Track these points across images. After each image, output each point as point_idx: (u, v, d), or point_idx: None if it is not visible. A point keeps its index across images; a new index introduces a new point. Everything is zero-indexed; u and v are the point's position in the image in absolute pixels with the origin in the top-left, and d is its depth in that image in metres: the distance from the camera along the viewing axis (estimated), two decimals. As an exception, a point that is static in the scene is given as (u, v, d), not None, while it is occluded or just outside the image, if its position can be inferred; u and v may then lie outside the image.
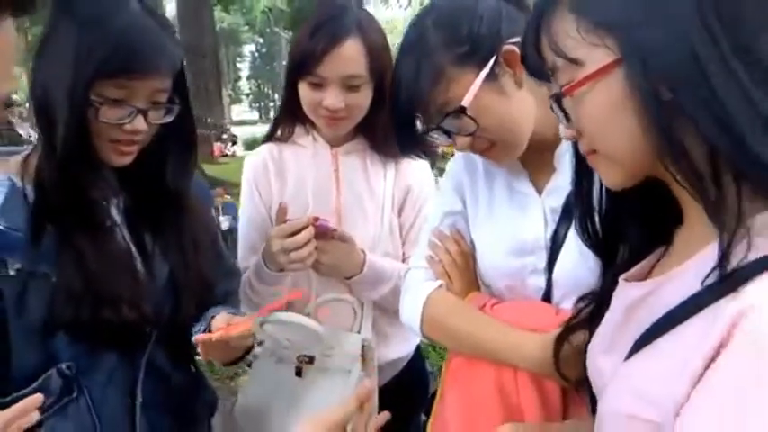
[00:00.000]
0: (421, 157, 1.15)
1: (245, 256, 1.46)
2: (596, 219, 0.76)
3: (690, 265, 0.62)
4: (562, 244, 1.02)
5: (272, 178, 1.45)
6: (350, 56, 1.30)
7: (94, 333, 1.02)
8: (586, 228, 0.77)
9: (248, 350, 1.17)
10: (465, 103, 0.95)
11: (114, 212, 1.12)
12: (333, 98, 1.31)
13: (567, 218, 1.02)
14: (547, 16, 0.66)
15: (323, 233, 1.31)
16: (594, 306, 0.79)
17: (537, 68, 0.70)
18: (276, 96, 67.19)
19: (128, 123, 1.01)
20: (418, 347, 1.59)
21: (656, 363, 0.61)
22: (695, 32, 0.55)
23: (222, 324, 1.07)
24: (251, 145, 25.90)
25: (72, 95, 0.96)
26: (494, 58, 0.96)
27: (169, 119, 1.08)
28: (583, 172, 0.74)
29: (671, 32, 0.56)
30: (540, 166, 1.08)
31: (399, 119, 1.02)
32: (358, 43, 1.30)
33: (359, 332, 1.42)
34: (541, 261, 1.05)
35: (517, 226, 1.07)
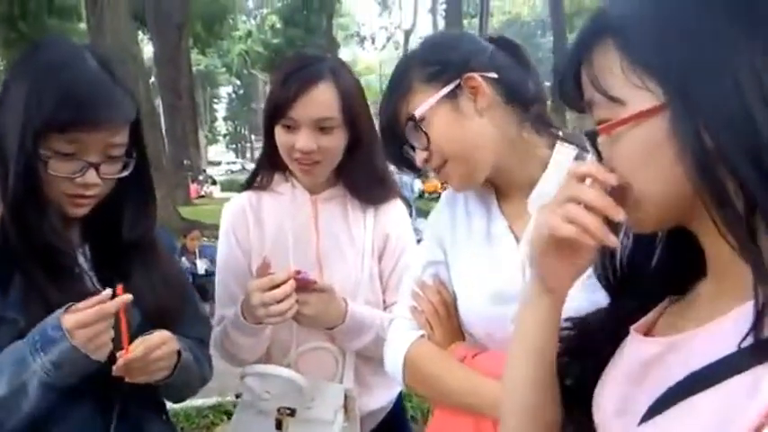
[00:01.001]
0: (404, 171, 1.19)
1: (224, 305, 1.44)
2: (617, 257, 0.74)
3: (721, 324, 0.58)
4: (541, 291, 1.03)
5: (250, 226, 1.45)
6: (322, 99, 1.32)
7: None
8: (605, 265, 0.74)
9: (176, 363, 1.12)
10: (417, 113, 1.04)
11: (82, 260, 1.12)
12: (305, 140, 1.32)
13: (544, 265, 1.03)
14: (590, 48, 0.63)
15: (304, 285, 1.30)
16: (598, 353, 0.74)
17: (573, 100, 0.68)
18: (253, 137, 67.68)
19: (79, 177, 1.02)
20: (400, 395, 1.58)
21: (681, 428, 0.56)
22: (745, 82, 0.54)
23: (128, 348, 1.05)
24: (228, 186, 25.95)
25: (21, 147, 0.97)
26: (457, 81, 1.03)
27: (125, 173, 1.09)
28: None
29: (719, 81, 0.55)
30: (516, 213, 1.10)
31: (381, 131, 1.13)
32: (330, 87, 1.33)
33: (341, 382, 1.41)
34: (522, 309, 1.05)
35: (496, 273, 1.08)
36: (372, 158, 1.42)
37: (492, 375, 1.03)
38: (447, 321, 1.15)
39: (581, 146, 1.09)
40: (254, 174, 1.51)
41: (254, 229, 1.45)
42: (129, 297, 0.99)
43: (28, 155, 0.98)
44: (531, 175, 1.07)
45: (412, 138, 1.07)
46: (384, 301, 1.46)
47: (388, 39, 45.03)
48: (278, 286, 1.26)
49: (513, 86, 1.05)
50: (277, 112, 1.34)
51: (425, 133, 1.04)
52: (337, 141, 1.35)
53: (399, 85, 1.08)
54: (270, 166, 1.47)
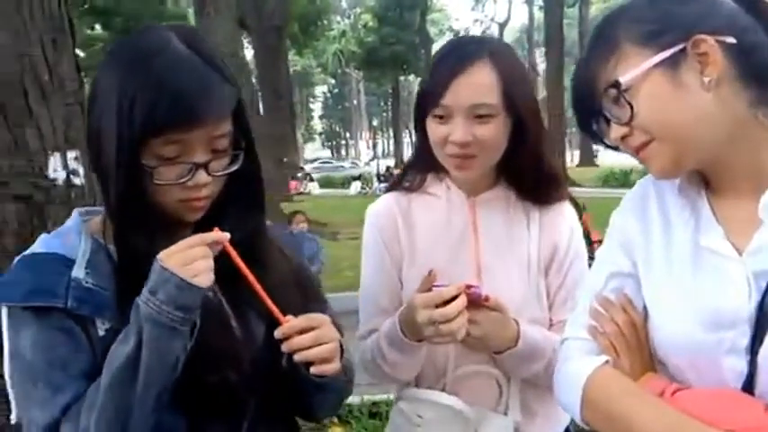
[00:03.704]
0: (606, 145, 0.98)
1: (370, 318, 1.30)
2: None
3: None
4: (773, 316, 0.82)
5: (400, 231, 1.30)
6: (478, 81, 1.15)
7: (196, 399, 0.92)
8: None
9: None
10: (624, 79, 0.85)
11: None
12: (460, 130, 1.16)
13: (778, 283, 0.82)
14: None
15: (473, 302, 1.13)
16: None
17: None
18: (347, 135, 69.14)
19: (189, 181, 0.91)
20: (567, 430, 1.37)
21: None
22: None
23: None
24: (326, 183, 26.52)
25: (119, 161, 0.87)
26: (682, 45, 0.83)
27: (235, 167, 0.97)
28: None
29: None
30: (736, 216, 0.88)
31: (573, 97, 0.95)
32: (488, 68, 1.15)
33: (506, 413, 1.23)
34: (743, 338, 0.84)
35: (709, 292, 0.87)
36: (540, 152, 1.24)
37: (702, 420, 0.82)
38: (636, 346, 0.95)
39: None
40: (404, 173, 1.36)
41: (405, 235, 1.30)
42: (226, 235, 0.90)
43: (130, 168, 0.88)
44: (762, 170, 0.86)
45: (610, 109, 0.88)
46: (550, 320, 1.27)
47: (483, 32, 44.27)
48: (447, 302, 1.09)
49: (755, 56, 0.83)
50: (428, 101, 1.19)
51: (630, 105, 0.85)
52: (495, 132, 1.17)
53: (602, 44, 0.89)
54: (422, 166, 1.31)
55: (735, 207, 0.89)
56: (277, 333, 0.93)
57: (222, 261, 0.94)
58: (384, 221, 1.31)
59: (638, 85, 0.85)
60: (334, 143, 72.13)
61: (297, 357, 0.93)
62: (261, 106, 16.73)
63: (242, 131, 0.97)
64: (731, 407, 0.83)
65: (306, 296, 1.08)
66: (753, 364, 0.83)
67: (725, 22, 0.84)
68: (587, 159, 29.87)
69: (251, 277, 0.92)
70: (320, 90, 67.15)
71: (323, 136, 73.37)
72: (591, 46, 0.92)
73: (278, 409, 1.03)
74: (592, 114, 0.93)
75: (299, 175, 23.49)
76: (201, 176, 0.91)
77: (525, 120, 1.19)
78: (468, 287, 1.11)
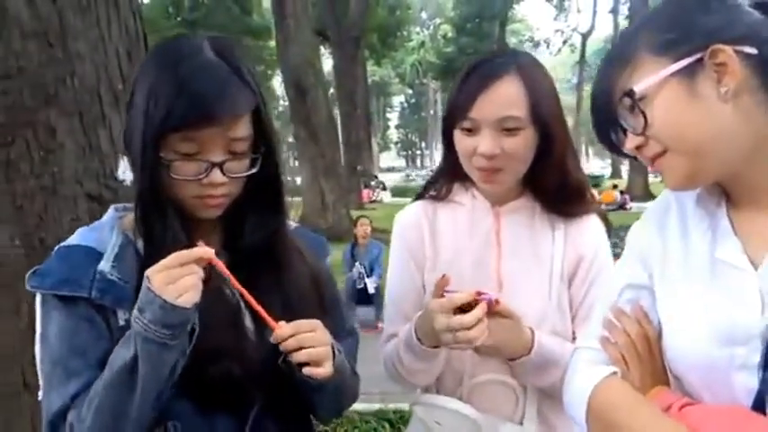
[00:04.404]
0: (622, 155, 0.97)
1: (393, 323, 1.33)
2: None
3: None
4: (785, 334, 0.80)
5: (425, 239, 1.33)
6: (505, 95, 1.16)
7: (201, 389, 0.98)
8: None
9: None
10: (638, 88, 0.84)
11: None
12: (488, 142, 1.17)
13: (792, 300, 0.80)
14: None
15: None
16: None
17: None
18: (423, 144, 69.37)
19: (204, 178, 0.95)
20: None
21: None
22: None
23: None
24: (399, 192, 26.66)
25: (143, 152, 0.94)
26: (699, 55, 0.81)
27: (253, 170, 1.00)
28: None
29: None
30: (754, 230, 0.86)
31: (591, 106, 0.94)
32: (515, 82, 1.16)
33: (521, 423, 1.23)
34: (755, 354, 0.82)
35: (723, 306, 0.85)
36: (565, 165, 1.23)
37: None
38: (648, 359, 0.94)
39: None
40: (431, 183, 1.38)
41: (429, 243, 1.32)
42: (210, 250, 0.92)
43: (151, 160, 0.94)
44: None
45: (625, 118, 0.88)
46: (573, 333, 1.26)
47: (564, 42, 43.23)
48: (462, 309, 1.10)
49: None
50: (456, 114, 1.21)
51: (643, 114, 0.85)
52: (523, 146, 1.18)
53: (620, 53, 0.88)
54: (449, 176, 1.33)
55: (754, 220, 0.87)
56: (271, 339, 0.97)
57: (242, 265, 1.00)
58: (410, 229, 1.34)
59: (653, 94, 0.84)
60: (410, 152, 72.49)
61: (290, 359, 0.97)
62: (338, 115, 17.13)
63: (262, 136, 1.01)
64: (739, 424, 0.81)
65: (321, 297, 1.12)
66: (765, 381, 0.81)
67: (746, 32, 0.82)
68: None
69: (238, 285, 0.96)
70: (398, 100, 67.75)
71: (399, 145, 73.89)
72: (610, 55, 0.92)
73: (286, 405, 1.06)
74: (609, 123, 0.92)
75: (373, 183, 23.78)
76: (217, 176, 0.96)
77: (552, 133, 1.19)
78: (479, 293, 1.11)
